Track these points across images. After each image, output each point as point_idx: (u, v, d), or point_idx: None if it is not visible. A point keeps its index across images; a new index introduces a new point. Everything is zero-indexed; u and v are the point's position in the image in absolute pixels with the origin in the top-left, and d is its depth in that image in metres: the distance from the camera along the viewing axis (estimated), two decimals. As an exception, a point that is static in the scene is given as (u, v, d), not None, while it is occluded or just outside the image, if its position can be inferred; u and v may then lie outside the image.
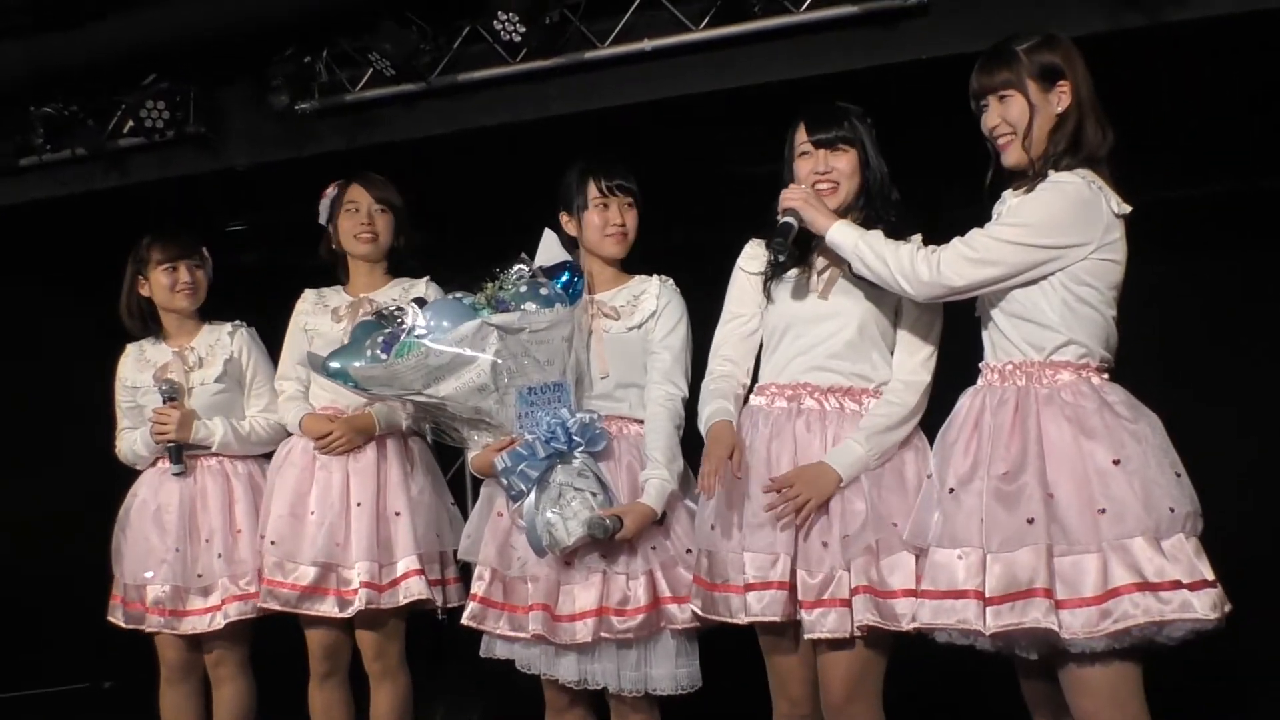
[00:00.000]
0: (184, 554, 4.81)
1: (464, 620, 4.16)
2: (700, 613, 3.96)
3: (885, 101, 4.07)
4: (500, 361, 3.98)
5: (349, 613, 4.57)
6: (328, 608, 4.59)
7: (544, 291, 4.02)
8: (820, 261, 3.92)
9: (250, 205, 6.27)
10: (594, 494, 3.93)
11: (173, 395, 4.80)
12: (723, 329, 4.07)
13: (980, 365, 3.74)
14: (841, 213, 3.88)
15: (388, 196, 4.74)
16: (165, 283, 4.91)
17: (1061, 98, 3.61)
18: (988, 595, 3.46)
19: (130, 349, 5.04)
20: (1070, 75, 3.61)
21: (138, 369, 4.98)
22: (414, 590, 4.57)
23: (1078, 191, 3.54)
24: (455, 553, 4.63)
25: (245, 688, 4.94)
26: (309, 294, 4.84)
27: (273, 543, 4.62)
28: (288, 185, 5.42)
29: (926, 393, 3.91)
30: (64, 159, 5.79)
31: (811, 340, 3.89)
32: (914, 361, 3.90)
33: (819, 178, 3.89)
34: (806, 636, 3.81)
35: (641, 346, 4.15)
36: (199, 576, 4.81)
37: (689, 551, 4.00)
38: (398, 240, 4.78)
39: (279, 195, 5.72)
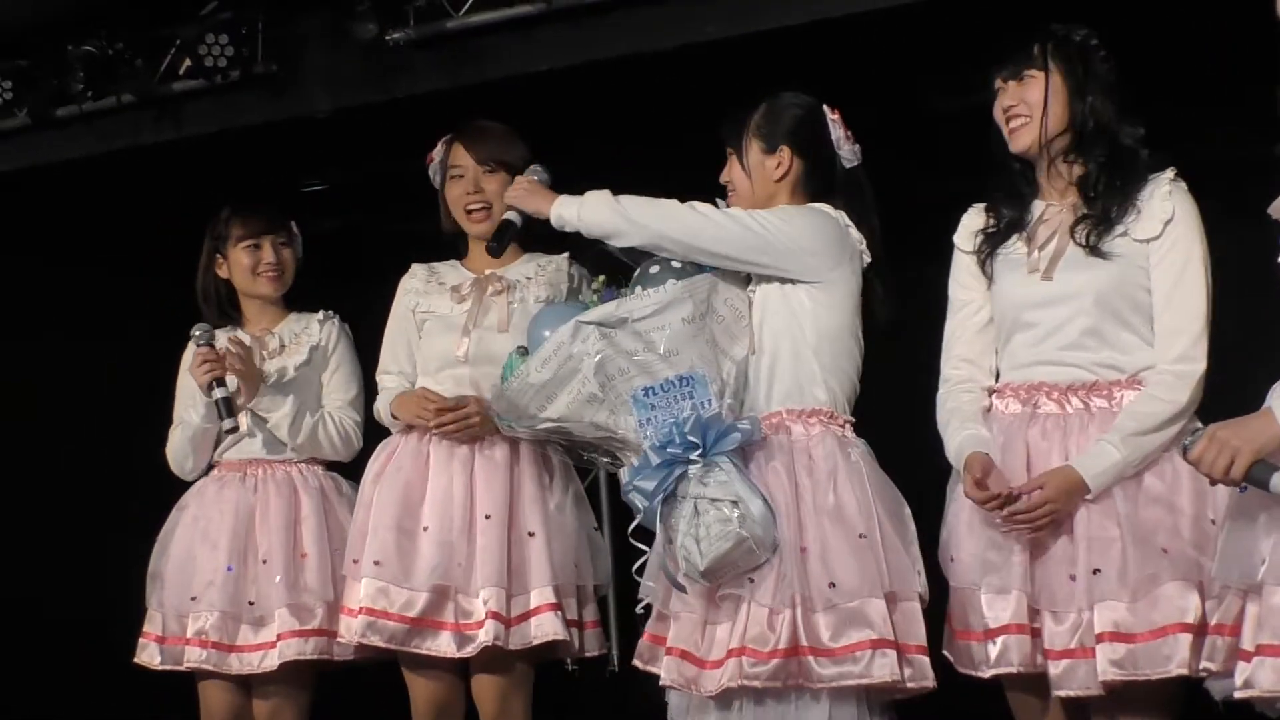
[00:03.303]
0: (236, 575, 4.75)
1: (634, 660, 4.05)
2: (955, 665, 3.86)
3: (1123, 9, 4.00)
4: (605, 363, 3.95)
5: (468, 650, 4.39)
6: (443, 645, 4.41)
7: (654, 270, 3.99)
8: (1041, 233, 3.80)
9: (332, 160, 6.13)
10: (733, 501, 3.79)
11: (208, 341, 4.73)
12: (952, 319, 3.96)
13: None
14: (1037, 151, 3.78)
15: (500, 154, 4.57)
16: (246, 263, 4.89)
17: None
18: None
19: None
20: None
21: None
22: (548, 629, 4.40)
23: None
24: (595, 588, 4.58)
25: None
26: (418, 270, 4.71)
27: (376, 563, 4.45)
28: (378, 134, 5.44)
29: (1200, 383, 3.69)
30: (108, 108, 5.68)
31: (1041, 331, 3.78)
32: (1181, 344, 3.70)
33: (1008, 113, 3.82)
34: (1055, 693, 3.70)
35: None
36: (250, 604, 4.72)
37: (832, 586, 3.81)
38: None
39: (367, 147, 5.70)
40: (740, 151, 4.09)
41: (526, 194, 4.16)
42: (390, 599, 4.42)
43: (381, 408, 4.63)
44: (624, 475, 3.94)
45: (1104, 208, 3.70)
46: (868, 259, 4.02)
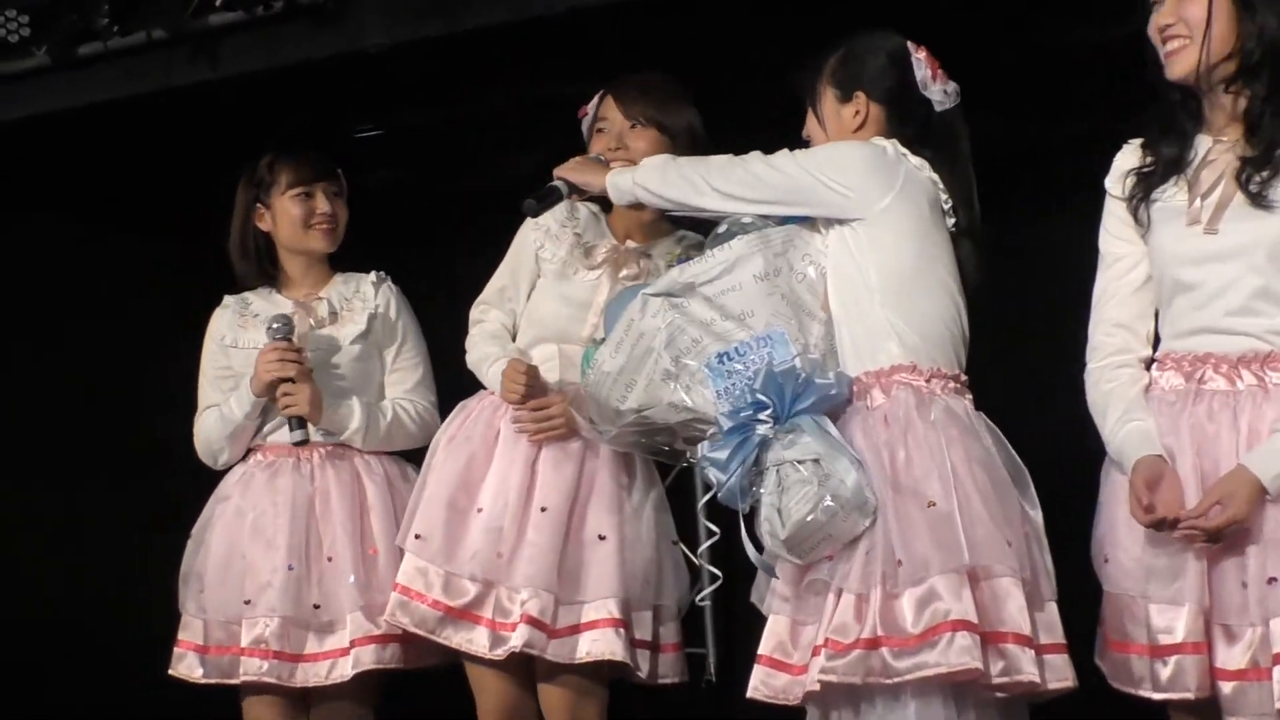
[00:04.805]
0: (298, 574, 4.64)
1: (750, 693, 3.86)
2: (1108, 679, 3.71)
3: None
4: (676, 336, 3.95)
5: (499, 653, 4.31)
6: (477, 641, 4.35)
7: (722, 229, 3.98)
8: (1205, 176, 3.58)
9: (388, 102, 5.96)
10: (815, 461, 3.73)
11: (286, 335, 4.68)
12: (1103, 276, 3.79)
13: None
14: (1195, 79, 3.58)
15: (652, 111, 4.45)
16: (296, 214, 4.81)
17: None
18: None
19: (229, 301, 4.91)
20: None
21: (238, 325, 4.86)
22: (603, 647, 4.31)
23: None
24: (681, 607, 4.50)
25: None
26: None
27: (417, 536, 4.42)
28: (440, 73, 5.34)
29: None
30: (136, 45, 5.48)
31: (1205, 293, 3.59)
32: None
33: (1163, 33, 3.60)
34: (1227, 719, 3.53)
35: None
36: (316, 608, 4.62)
37: (899, 564, 3.68)
38: None
39: (427, 88, 5.57)
40: (815, 102, 4.05)
41: (577, 168, 4.21)
42: (428, 580, 4.38)
43: (476, 356, 4.52)
44: (700, 449, 3.90)
45: (1269, 147, 3.50)
46: (948, 204, 3.95)
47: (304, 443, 4.65)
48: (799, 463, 3.73)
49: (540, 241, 4.56)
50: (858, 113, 3.96)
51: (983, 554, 3.64)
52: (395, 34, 5.26)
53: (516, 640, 4.28)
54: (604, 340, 4.05)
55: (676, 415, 3.94)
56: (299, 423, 4.65)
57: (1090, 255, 3.84)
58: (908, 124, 3.98)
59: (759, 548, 3.80)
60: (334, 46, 5.32)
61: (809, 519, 3.68)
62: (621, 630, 4.30)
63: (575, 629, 4.33)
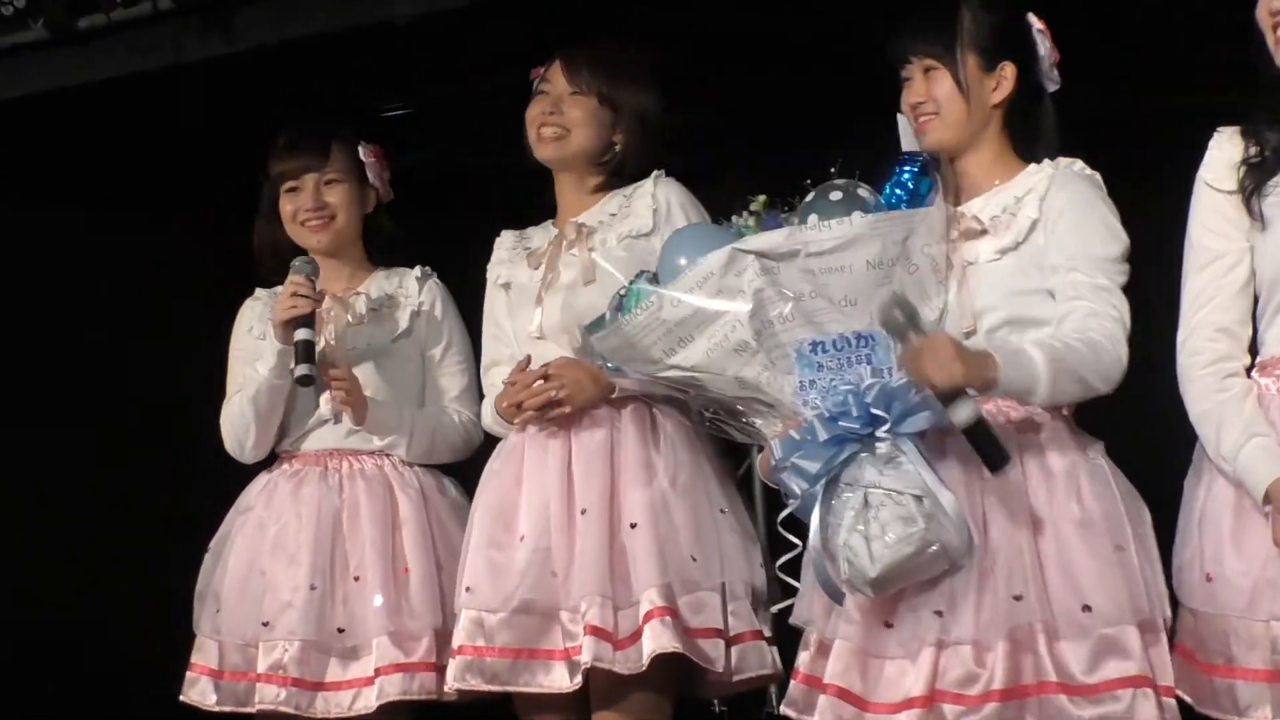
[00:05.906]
0: (321, 594, 4.54)
1: (782, 708, 3.84)
2: (1189, 701, 3.63)
3: None
4: (765, 305, 3.77)
5: (577, 681, 4.14)
6: (558, 679, 4.18)
7: (836, 197, 3.78)
8: None
9: (416, 79, 5.91)
10: (918, 497, 3.58)
11: (310, 275, 4.56)
12: (1198, 277, 3.68)
13: None
14: None
15: (596, 81, 4.39)
16: (288, 210, 4.76)
17: None
18: None
19: (261, 294, 4.82)
20: None
21: (269, 319, 4.69)
22: (652, 643, 4.09)
23: None
24: (756, 587, 4.27)
25: None
26: (507, 237, 4.57)
27: (468, 589, 4.27)
28: (472, 46, 5.33)
29: None
30: (141, 16, 5.34)
31: None
32: None
33: (1277, 16, 3.49)
34: None
35: (1019, 276, 3.79)
36: (340, 632, 4.50)
37: (1087, 609, 3.60)
38: (614, 141, 4.40)
39: (459, 63, 5.54)
40: (954, 66, 3.83)
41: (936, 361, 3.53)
42: (486, 630, 4.23)
43: (488, 418, 4.47)
44: (776, 449, 3.70)
45: None
46: None
47: (308, 380, 4.47)
48: (895, 493, 3.61)
49: (498, 272, 4.55)
50: (998, 86, 3.81)
51: (1155, 605, 3.64)
52: (424, 5, 5.16)
53: (585, 656, 4.13)
54: (653, 276, 3.89)
55: (738, 390, 3.82)
56: (305, 355, 4.48)
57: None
58: (1027, 106, 3.85)
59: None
60: (356, 17, 5.22)
61: (908, 560, 3.59)
62: (669, 619, 4.11)
63: (637, 635, 4.14)
